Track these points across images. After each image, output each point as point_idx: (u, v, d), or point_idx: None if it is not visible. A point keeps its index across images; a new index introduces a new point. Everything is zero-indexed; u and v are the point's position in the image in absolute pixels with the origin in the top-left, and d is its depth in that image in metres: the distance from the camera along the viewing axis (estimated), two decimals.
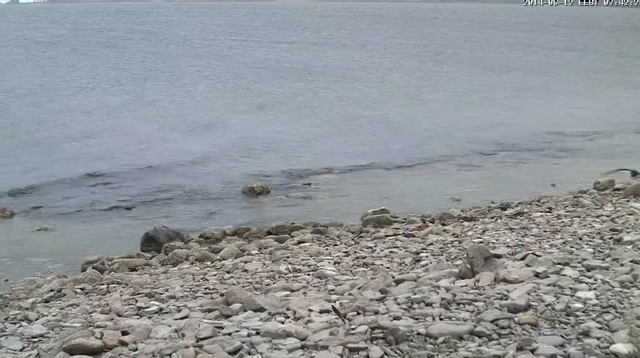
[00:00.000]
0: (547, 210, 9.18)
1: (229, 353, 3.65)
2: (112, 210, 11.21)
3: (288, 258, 7.64)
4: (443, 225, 9.14)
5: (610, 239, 6.22)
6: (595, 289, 4.34)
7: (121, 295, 6.41)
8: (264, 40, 52.09)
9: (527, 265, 5.18)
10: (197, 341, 3.86)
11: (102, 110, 21.11)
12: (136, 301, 5.95)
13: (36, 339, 4.49)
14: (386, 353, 3.52)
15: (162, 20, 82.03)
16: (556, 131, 17.96)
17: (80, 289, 7.04)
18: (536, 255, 5.44)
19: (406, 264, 6.69)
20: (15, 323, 5.28)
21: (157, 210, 11.29)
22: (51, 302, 6.50)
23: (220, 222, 10.31)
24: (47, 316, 5.69)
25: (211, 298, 5.89)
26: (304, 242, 8.67)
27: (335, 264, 7.08)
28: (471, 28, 69.36)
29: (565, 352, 3.40)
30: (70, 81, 27.68)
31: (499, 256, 5.61)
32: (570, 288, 4.38)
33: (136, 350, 3.85)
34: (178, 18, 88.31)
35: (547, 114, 20.72)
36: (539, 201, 10.26)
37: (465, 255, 5.61)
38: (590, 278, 4.62)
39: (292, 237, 9.14)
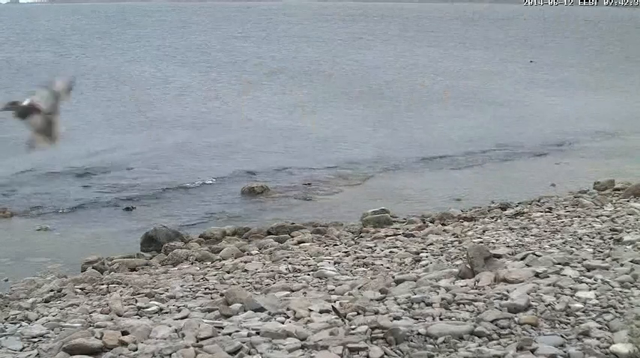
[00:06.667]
0: (547, 210, 9.17)
1: (229, 353, 3.65)
2: (112, 210, 11.22)
3: (288, 258, 7.64)
4: (443, 225, 9.15)
5: (610, 239, 6.21)
6: (595, 289, 4.34)
7: (121, 295, 6.41)
8: (265, 38, 52.13)
9: (527, 265, 5.18)
10: (197, 341, 3.86)
11: (101, 109, 21.11)
12: (136, 301, 5.95)
13: (36, 339, 4.49)
14: (386, 353, 3.52)
15: (162, 19, 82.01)
16: (556, 131, 17.96)
17: (80, 289, 7.04)
18: (536, 255, 5.44)
19: (406, 264, 6.69)
20: (15, 323, 5.27)
21: (156, 210, 11.30)
22: (51, 302, 6.50)
23: (220, 222, 10.32)
24: (47, 316, 5.69)
25: (211, 298, 5.88)
26: (304, 242, 8.67)
27: (335, 263, 7.08)
28: (476, 27, 69.36)
29: (565, 352, 3.40)
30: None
31: (499, 256, 5.61)
32: (570, 288, 4.38)
33: (136, 350, 3.85)
34: (178, 17, 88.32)
35: (547, 114, 20.72)
36: (539, 201, 10.26)
37: (465, 255, 5.61)
38: (590, 278, 4.63)
39: (292, 237, 9.14)
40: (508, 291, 4.37)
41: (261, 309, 4.57)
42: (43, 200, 11.66)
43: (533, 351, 3.41)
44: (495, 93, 25.57)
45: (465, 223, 9.00)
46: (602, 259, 5.25)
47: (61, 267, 8.38)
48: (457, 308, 4.21)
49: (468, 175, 13.60)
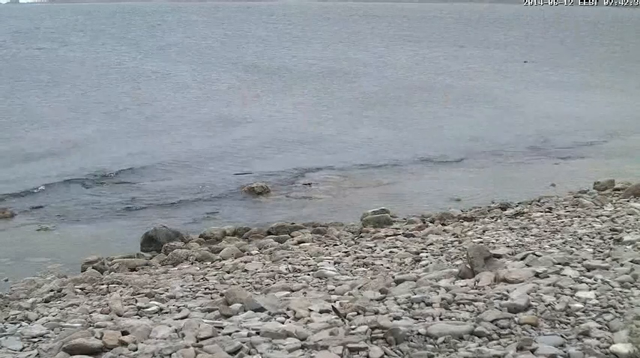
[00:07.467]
0: (547, 210, 9.18)
1: (229, 353, 3.64)
2: (112, 210, 11.21)
3: (288, 258, 7.64)
4: (443, 225, 9.14)
5: (610, 239, 6.22)
6: (595, 289, 4.34)
7: (121, 295, 6.41)
8: (265, 38, 52.11)
9: (527, 265, 5.18)
10: (197, 341, 3.86)
11: (101, 110, 21.12)
12: (136, 301, 5.95)
13: (36, 339, 4.49)
14: (386, 353, 3.52)
15: (162, 19, 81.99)
16: (556, 131, 17.97)
17: (80, 289, 7.04)
18: (536, 255, 5.44)
19: (406, 264, 6.69)
20: (15, 323, 5.27)
21: (157, 210, 11.30)
22: (51, 302, 6.50)
23: (220, 222, 10.32)
24: (47, 316, 5.69)
25: (211, 298, 5.89)
26: (304, 242, 8.67)
27: (335, 263, 7.09)
28: (476, 27, 69.36)
29: (565, 352, 3.40)
30: (68, 80, 27.67)
31: (499, 256, 5.61)
32: (570, 288, 4.38)
33: (136, 350, 3.85)
34: (178, 17, 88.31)
35: (547, 114, 20.72)
36: (539, 201, 10.26)
37: (465, 255, 5.61)
38: (590, 278, 4.62)
39: (292, 237, 9.14)
40: (508, 291, 4.37)
41: (261, 309, 4.57)
42: (43, 200, 11.67)
43: (533, 351, 3.41)
44: (495, 93, 25.55)
45: (465, 223, 9.00)
46: (602, 259, 5.25)
47: (61, 267, 8.38)
48: (457, 308, 4.21)
49: (468, 175, 13.60)
